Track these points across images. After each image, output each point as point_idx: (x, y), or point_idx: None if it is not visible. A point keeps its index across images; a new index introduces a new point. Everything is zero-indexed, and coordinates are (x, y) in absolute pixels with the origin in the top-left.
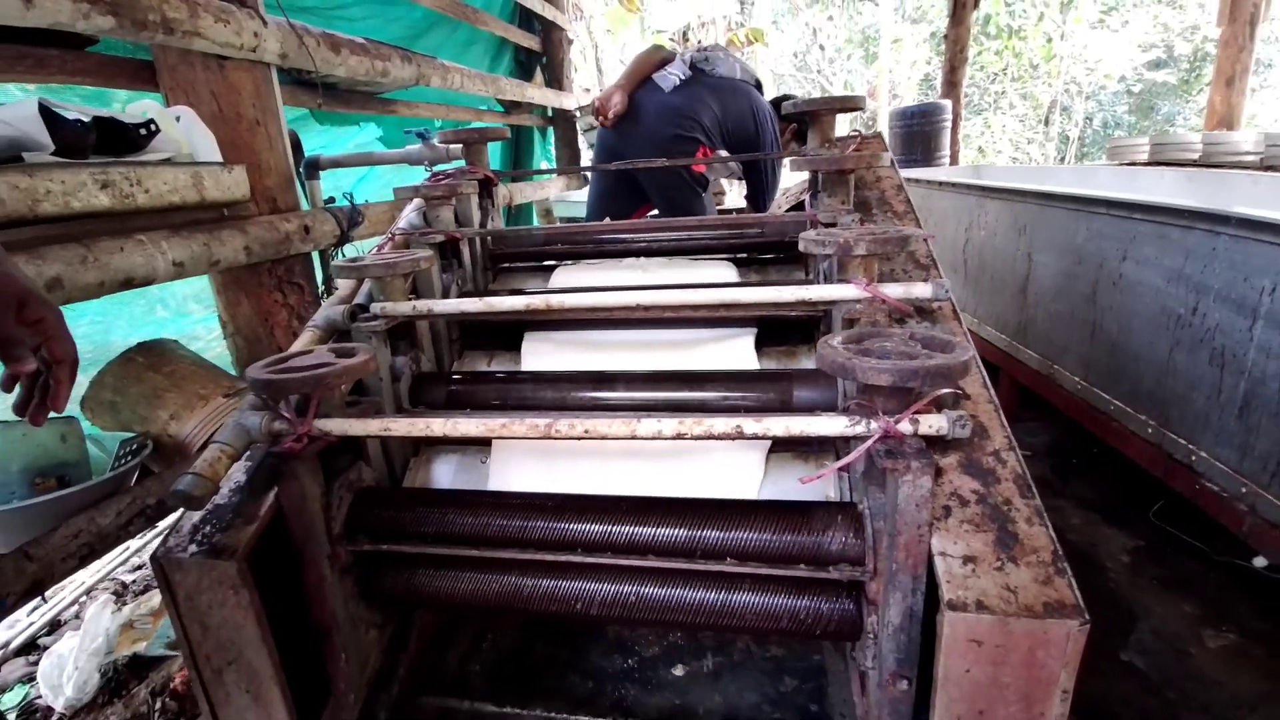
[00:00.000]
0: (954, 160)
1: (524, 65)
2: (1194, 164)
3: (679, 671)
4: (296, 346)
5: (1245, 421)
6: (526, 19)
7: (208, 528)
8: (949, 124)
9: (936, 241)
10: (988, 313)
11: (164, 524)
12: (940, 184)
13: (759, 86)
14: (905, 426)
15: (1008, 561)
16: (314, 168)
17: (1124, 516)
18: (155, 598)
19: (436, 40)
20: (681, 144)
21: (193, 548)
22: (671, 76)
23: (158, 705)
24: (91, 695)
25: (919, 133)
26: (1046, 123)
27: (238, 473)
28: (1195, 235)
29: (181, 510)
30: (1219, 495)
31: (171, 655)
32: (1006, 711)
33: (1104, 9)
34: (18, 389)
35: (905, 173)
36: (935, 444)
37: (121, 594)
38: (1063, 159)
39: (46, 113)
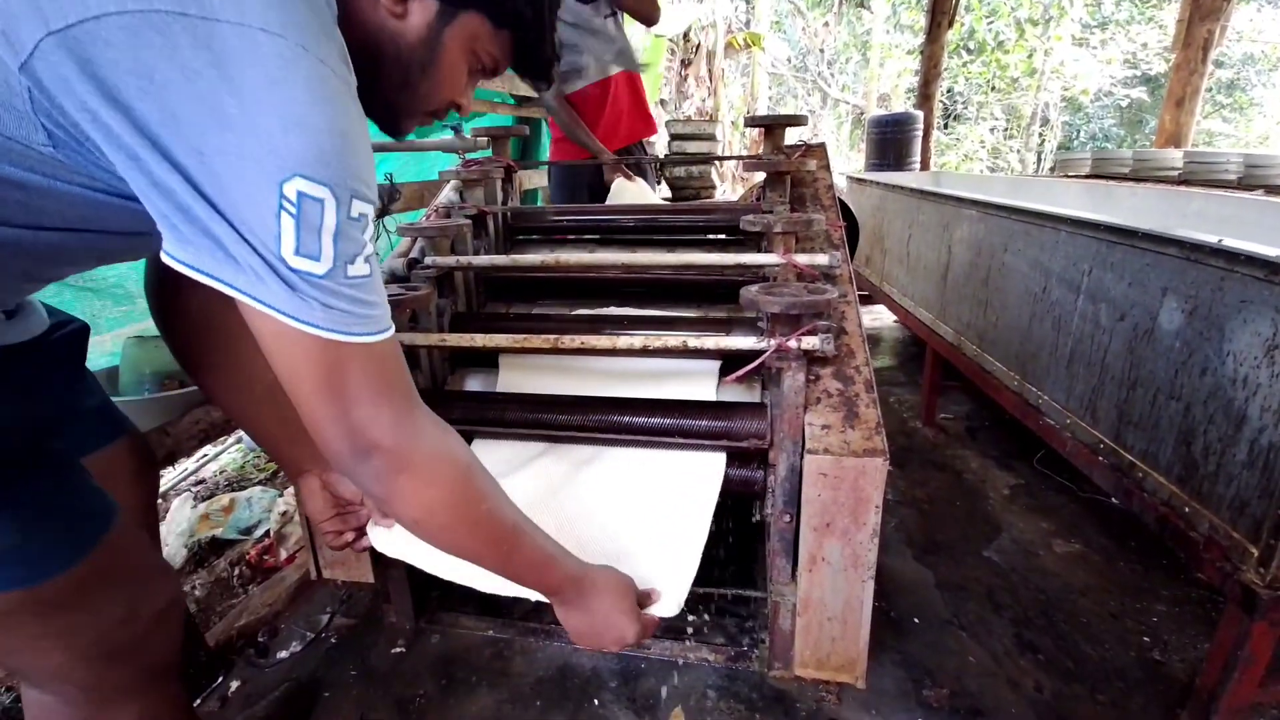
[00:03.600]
0: (924, 166)
1: None
2: (1124, 177)
3: None
4: None
5: (1070, 371)
6: None
7: None
8: (920, 133)
9: (862, 230)
10: (920, 296)
11: None
12: (892, 187)
13: None
14: (792, 343)
15: (848, 428)
16: None
17: (1013, 464)
18: (225, 498)
19: None
20: None
21: None
22: None
23: (235, 572)
24: (179, 565)
25: (892, 139)
26: (1027, 133)
27: None
28: (1046, 232)
29: None
30: (1054, 427)
31: (242, 539)
32: (843, 521)
33: (1087, 26)
34: None
35: (871, 176)
36: (817, 361)
37: (195, 493)
38: (1038, 168)
39: None
